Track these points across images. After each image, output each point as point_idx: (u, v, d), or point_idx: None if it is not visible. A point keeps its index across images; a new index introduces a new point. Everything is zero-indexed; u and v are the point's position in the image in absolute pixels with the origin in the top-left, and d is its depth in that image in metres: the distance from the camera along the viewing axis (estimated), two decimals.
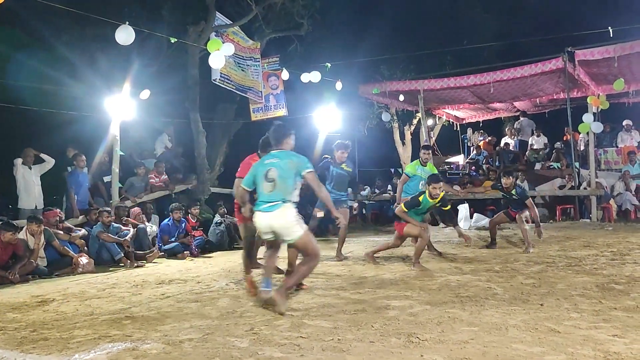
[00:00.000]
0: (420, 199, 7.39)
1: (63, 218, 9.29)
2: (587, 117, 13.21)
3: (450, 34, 17.35)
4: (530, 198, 8.91)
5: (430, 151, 9.21)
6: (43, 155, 9.93)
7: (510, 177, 8.83)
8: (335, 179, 8.30)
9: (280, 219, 5.01)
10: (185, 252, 9.80)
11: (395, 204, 9.15)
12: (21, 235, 7.98)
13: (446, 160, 18.27)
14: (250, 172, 5.35)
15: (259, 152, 6.27)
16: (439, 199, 7.46)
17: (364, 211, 16.09)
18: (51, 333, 4.57)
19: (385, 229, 14.03)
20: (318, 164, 8.41)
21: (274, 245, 5.37)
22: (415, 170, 8.98)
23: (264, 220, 5.07)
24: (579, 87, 13.95)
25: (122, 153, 10.96)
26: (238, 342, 4.06)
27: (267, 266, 5.46)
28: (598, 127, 13.37)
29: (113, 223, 9.35)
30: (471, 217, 13.06)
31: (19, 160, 9.65)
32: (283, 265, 7.50)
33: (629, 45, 11.50)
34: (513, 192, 8.76)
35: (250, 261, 6.41)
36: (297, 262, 5.64)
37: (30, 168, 9.70)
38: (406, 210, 7.44)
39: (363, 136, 17.91)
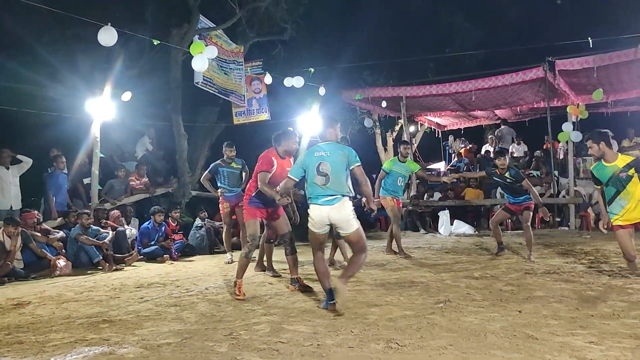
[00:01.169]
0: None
1: (41, 220, 9.18)
2: (567, 126, 13.39)
3: (433, 41, 17.50)
4: (526, 179, 8.25)
5: (409, 146, 8.93)
6: (20, 156, 9.79)
7: (505, 157, 8.27)
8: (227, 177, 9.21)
9: (340, 212, 5.13)
10: (165, 255, 9.72)
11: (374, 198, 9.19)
12: None
13: (427, 167, 18.37)
14: (299, 163, 5.38)
15: (275, 146, 6.17)
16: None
17: None
18: (27, 336, 4.51)
19: (366, 233, 14.04)
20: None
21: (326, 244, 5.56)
22: (392, 166, 8.98)
23: (323, 213, 5.15)
24: (559, 96, 14.12)
25: (102, 155, 10.86)
26: (217, 346, 4.04)
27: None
28: (577, 136, 13.54)
29: (92, 225, 9.25)
30: (452, 223, 13.15)
31: None
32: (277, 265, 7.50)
33: (607, 56, 11.66)
34: (507, 174, 8.19)
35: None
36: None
37: (7, 169, 9.55)
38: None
39: (345, 141, 17.89)
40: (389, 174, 8.95)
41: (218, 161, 9.36)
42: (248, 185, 6.42)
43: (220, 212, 9.48)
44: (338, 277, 5.06)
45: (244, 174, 9.50)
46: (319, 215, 5.18)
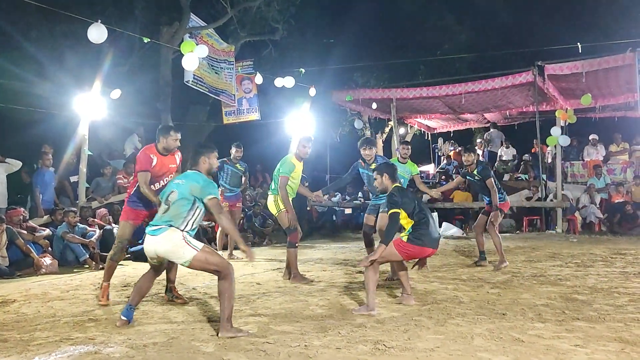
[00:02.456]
0: None
1: (27, 217, 9.09)
2: (555, 131, 13.47)
3: (424, 44, 17.56)
4: (492, 178, 7.70)
5: (409, 146, 8.32)
6: (9, 160, 9.69)
7: (472, 154, 7.80)
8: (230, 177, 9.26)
9: (163, 245, 4.52)
10: None
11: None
12: None
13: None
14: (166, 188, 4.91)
15: (156, 142, 5.87)
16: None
17: (334, 217, 16.10)
18: (11, 335, 4.47)
19: (355, 235, 14.06)
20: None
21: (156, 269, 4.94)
22: None
23: (149, 243, 4.64)
24: (548, 100, 14.19)
25: (90, 153, 10.78)
26: (203, 346, 4.02)
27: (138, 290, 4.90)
28: (565, 141, 13.63)
29: (79, 224, 9.18)
30: (440, 225, 13.17)
31: None
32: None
33: (596, 62, 11.74)
34: (475, 172, 7.76)
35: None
36: None
37: None
38: None
39: (335, 142, 17.94)
40: None
41: (224, 158, 9.37)
42: (130, 184, 6.13)
43: None
44: (220, 329, 4.34)
45: (244, 177, 9.61)
46: (146, 245, 4.69)
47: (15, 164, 9.80)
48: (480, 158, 16.46)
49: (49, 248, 8.84)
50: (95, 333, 4.47)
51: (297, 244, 6.95)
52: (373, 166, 6.99)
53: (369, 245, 7.36)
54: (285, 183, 6.87)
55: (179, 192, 4.62)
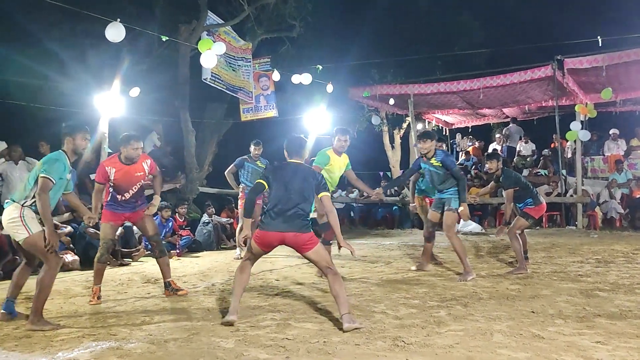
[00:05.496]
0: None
1: None
2: (575, 125, 13.33)
3: (441, 39, 17.42)
4: (512, 189, 7.20)
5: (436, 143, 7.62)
6: (29, 159, 9.83)
7: (494, 161, 7.35)
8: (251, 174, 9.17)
9: (4, 219, 4.74)
10: (172, 251, 9.75)
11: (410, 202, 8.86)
12: (4, 231, 7.89)
13: None
14: None
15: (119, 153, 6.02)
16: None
17: (352, 214, 16.10)
18: (34, 330, 4.53)
19: (372, 231, 14.07)
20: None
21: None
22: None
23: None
24: (568, 95, 14.04)
25: (110, 150, 10.87)
26: (223, 342, 4.05)
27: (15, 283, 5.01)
28: (585, 135, 13.49)
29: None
30: (458, 222, 13.10)
31: (0, 158, 9.57)
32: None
33: (617, 55, 11.60)
34: (500, 179, 7.35)
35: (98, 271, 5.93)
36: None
37: (16, 164, 9.60)
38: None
39: (352, 139, 17.83)
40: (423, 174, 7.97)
41: (245, 156, 9.41)
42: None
43: (239, 207, 9.57)
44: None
45: None
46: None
47: (35, 164, 9.92)
48: (499, 152, 16.40)
49: (71, 245, 8.94)
50: (117, 329, 4.53)
51: (330, 242, 6.79)
52: (433, 160, 6.81)
53: (429, 240, 7.25)
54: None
55: (32, 171, 4.81)
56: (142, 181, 5.99)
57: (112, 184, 5.87)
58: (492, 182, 7.71)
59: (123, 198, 5.90)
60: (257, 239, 4.64)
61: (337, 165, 6.89)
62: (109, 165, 5.87)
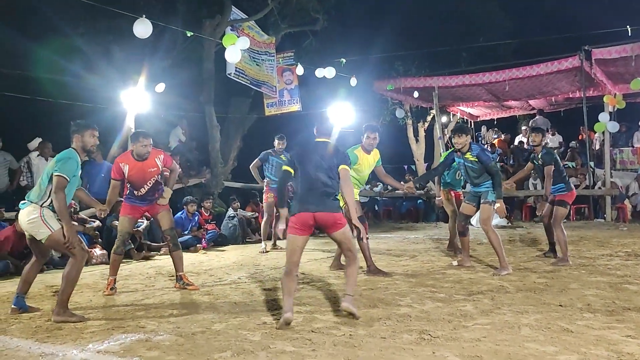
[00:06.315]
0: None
1: (77, 209, 9.35)
2: (603, 117, 13.12)
3: (466, 31, 17.26)
4: (552, 166, 7.10)
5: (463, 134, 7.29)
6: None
7: (539, 134, 7.27)
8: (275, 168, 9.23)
9: (22, 218, 4.80)
10: (198, 245, 9.86)
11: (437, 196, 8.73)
12: None
13: None
14: None
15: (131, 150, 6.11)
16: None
17: (376, 207, 16.08)
18: (65, 323, 4.62)
19: (397, 225, 14.03)
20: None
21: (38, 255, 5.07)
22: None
23: (18, 219, 4.87)
24: (595, 86, 13.82)
25: None
26: (250, 335, 4.08)
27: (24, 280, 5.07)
28: (614, 127, 13.27)
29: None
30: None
31: (34, 153, 9.75)
32: None
33: None
34: (539, 155, 7.20)
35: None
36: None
37: (47, 160, 9.77)
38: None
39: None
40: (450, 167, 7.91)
41: (269, 150, 9.45)
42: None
43: (264, 201, 9.63)
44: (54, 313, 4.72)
45: None
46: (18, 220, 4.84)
47: None
48: (526, 146, 16.23)
49: (99, 239, 9.08)
50: (145, 321, 4.59)
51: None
52: (468, 155, 6.68)
53: (463, 235, 7.04)
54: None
55: (45, 170, 4.87)
56: (156, 176, 6.10)
57: (127, 180, 6.01)
58: (529, 162, 7.63)
59: (139, 193, 6.04)
60: (294, 225, 4.59)
61: (367, 164, 6.81)
62: (122, 162, 5.99)
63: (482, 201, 6.69)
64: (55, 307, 4.74)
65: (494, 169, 6.64)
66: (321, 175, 4.61)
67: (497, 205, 6.51)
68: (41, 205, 4.74)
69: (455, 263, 7.25)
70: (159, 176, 6.16)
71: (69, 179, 4.73)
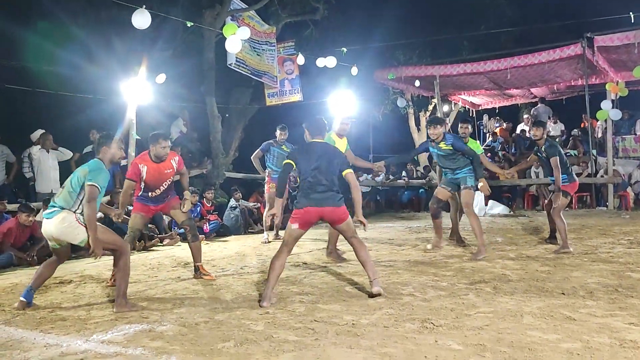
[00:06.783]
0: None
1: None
2: (606, 104, 13.07)
3: (467, 19, 17.17)
4: (557, 157, 7.01)
5: (469, 125, 8.03)
6: (61, 149, 10.05)
7: (540, 128, 7.26)
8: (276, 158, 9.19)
9: (56, 226, 4.74)
10: (200, 235, 9.86)
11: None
12: (38, 217, 8.06)
13: None
14: None
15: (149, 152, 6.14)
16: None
17: (377, 197, 16.08)
18: (69, 314, 4.65)
19: (399, 214, 14.03)
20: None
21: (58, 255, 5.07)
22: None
23: (45, 227, 4.83)
24: (598, 73, 13.75)
25: (138, 137, 10.99)
26: (253, 325, 4.10)
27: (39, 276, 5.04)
28: (616, 114, 13.23)
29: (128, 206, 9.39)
30: (486, 204, 13.01)
31: (36, 145, 9.75)
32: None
33: None
34: (543, 148, 7.19)
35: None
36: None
37: (48, 152, 9.77)
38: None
39: (378, 122, 17.85)
40: None
41: (270, 140, 9.44)
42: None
43: (266, 192, 9.59)
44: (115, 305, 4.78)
45: None
46: (43, 228, 4.87)
47: (67, 154, 10.18)
48: (528, 134, 16.19)
49: None
50: (149, 312, 4.61)
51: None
52: (442, 144, 6.97)
53: (437, 217, 7.46)
54: None
55: (72, 178, 4.86)
56: (171, 178, 6.15)
57: (143, 182, 6.00)
58: (532, 154, 7.74)
59: (154, 194, 6.07)
60: (298, 218, 4.83)
61: (342, 147, 7.00)
62: (141, 163, 6.00)
63: (462, 187, 6.99)
64: (115, 300, 4.80)
65: (471, 151, 6.99)
66: (324, 173, 4.88)
67: (481, 184, 6.78)
68: (74, 212, 4.76)
69: (429, 247, 7.59)
70: (173, 178, 6.20)
71: (100, 190, 4.77)
